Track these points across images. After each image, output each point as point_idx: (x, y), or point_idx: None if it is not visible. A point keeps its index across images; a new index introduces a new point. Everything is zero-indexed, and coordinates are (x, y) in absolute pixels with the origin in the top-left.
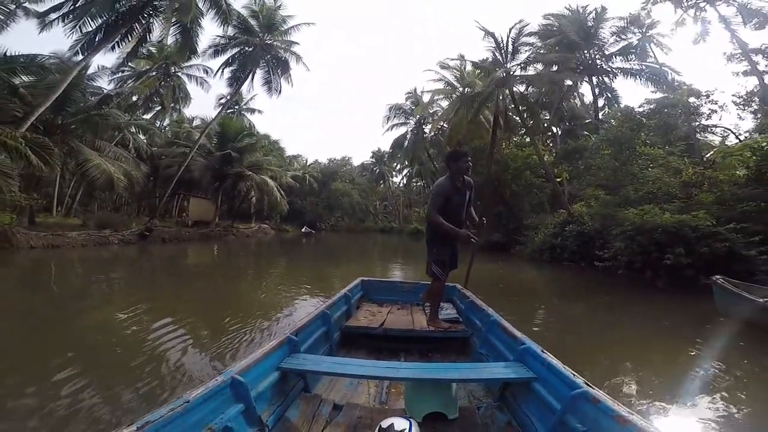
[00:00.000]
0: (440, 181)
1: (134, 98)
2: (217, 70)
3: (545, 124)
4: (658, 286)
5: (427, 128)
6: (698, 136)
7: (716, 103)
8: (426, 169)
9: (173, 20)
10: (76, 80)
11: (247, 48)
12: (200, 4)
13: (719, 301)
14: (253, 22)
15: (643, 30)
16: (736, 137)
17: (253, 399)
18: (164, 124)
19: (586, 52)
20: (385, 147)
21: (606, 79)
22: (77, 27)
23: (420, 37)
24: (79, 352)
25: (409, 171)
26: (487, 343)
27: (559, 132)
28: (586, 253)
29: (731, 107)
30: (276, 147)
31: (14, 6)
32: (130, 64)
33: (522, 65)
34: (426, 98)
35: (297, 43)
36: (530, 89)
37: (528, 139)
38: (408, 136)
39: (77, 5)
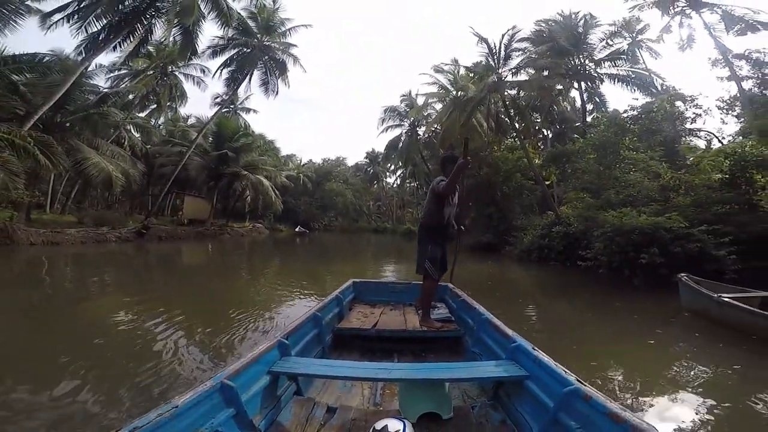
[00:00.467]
0: (441, 178)
1: (130, 96)
2: (216, 71)
3: (536, 127)
4: (635, 284)
5: (421, 130)
6: (683, 140)
7: (700, 107)
8: (419, 170)
9: (175, 21)
10: (76, 79)
11: (245, 49)
12: (202, 7)
13: (684, 297)
14: (251, 23)
15: (633, 35)
16: (719, 141)
17: (244, 403)
18: (159, 123)
19: (575, 58)
20: (379, 148)
21: (593, 84)
22: (83, 27)
23: (417, 40)
24: (99, 344)
25: (402, 172)
26: (479, 342)
27: (550, 135)
28: (572, 253)
29: (716, 111)
30: (271, 147)
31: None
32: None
33: (513, 70)
34: (420, 101)
35: (295, 45)
36: (522, 93)
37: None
38: (402, 138)
39: (82, 6)
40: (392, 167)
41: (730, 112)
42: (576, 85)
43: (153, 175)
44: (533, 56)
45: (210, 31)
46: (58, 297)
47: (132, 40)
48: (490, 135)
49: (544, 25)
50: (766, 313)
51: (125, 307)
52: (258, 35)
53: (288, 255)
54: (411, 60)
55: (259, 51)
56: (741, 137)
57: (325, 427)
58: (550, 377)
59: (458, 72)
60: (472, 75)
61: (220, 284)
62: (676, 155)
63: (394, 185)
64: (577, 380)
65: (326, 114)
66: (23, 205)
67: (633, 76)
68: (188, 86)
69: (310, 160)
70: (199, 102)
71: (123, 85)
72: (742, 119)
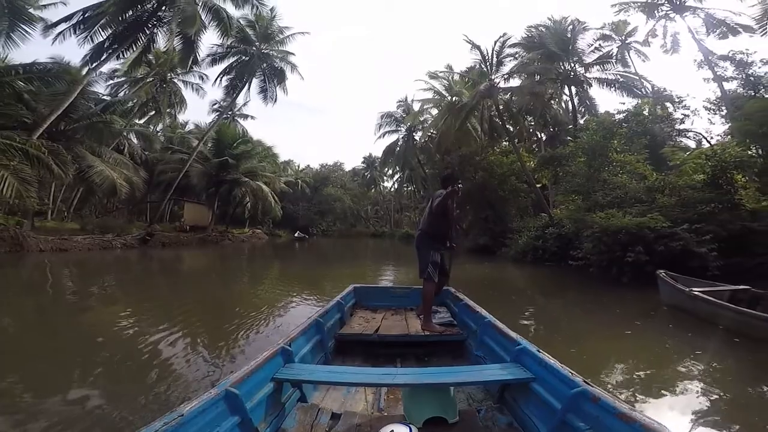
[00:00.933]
0: (440, 192)
1: (129, 104)
2: (216, 79)
3: (530, 130)
4: (623, 281)
5: (417, 135)
6: (671, 141)
7: (688, 108)
8: (416, 174)
9: (177, 31)
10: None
11: (244, 57)
12: (203, 16)
13: (663, 293)
14: (250, 31)
15: (623, 37)
16: (708, 141)
17: (249, 411)
18: (157, 129)
19: (565, 63)
20: (376, 153)
21: (582, 89)
22: (89, 37)
23: (413, 45)
24: (109, 347)
25: (400, 176)
26: (482, 345)
27: (544, 137)
28: (565, 253)
29: (703, 112)
30: (270, 153)
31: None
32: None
33: (506, 76)
34: (416, 107)
35: (292, 53)
36: (514, 98)
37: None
38: (399, 143)
39: (86, 15)
40: (389, 172)
41: (717, 112)
42: (567, 90)
43: (152, 182)
44: (525, 62)
45: (209, 39)
46: (82, 301)
47: (134, 49)
48: (484, 139)
49: (534, 30)
50: (731, 305)
51: (142, 312)
52: (256, 43)
53: (288, 260)
54: (407, 66)
55: (257, 59)
56: (729, 136)
57: None
58: (556, 379)
59: (452, 78)
60: (466, 80)
61: (227, 289)
62: (665, 157)
63: (392, 189)
64: (584, 381)
65: (323, 118)
66: (28, 213)
67: (621, 79)
68: (187, 94)
69: (308, 165)
70: (197, 108)
71: (122, 93)
72: (727, 120)
